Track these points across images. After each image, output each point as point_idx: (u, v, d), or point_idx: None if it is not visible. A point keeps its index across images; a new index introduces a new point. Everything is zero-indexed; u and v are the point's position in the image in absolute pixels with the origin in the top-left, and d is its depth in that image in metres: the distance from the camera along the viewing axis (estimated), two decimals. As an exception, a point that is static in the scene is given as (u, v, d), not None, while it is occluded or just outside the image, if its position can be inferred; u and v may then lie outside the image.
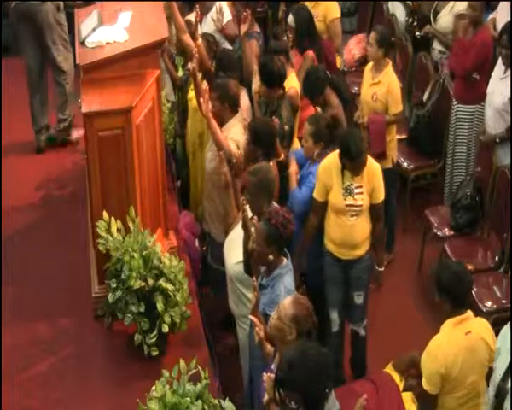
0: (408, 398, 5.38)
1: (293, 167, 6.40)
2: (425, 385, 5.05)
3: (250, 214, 5.64)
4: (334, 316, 6.33)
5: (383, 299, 6.88)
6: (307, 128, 6.31)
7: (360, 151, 5.96)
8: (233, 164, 6.26)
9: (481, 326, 5.12)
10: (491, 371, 5.12)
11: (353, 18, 10.15)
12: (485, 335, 5.08)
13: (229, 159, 6.25)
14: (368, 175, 6.08)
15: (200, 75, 6.86)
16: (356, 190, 6.05)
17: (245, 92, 7.05)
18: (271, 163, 6.05)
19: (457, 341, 4.99)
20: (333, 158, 6.09)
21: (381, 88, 7.40)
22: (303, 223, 6.23)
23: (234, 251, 5.77)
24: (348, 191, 6.05)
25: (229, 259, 5.87)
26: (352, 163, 6.01)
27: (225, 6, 8.13)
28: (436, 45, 8.63)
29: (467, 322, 5.03)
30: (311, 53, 7.67)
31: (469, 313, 5.06)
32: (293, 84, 7.07)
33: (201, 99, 6.35)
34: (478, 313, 6.65)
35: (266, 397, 4.54)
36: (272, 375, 4.54)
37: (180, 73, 7.63)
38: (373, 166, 6.14)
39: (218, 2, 8.08)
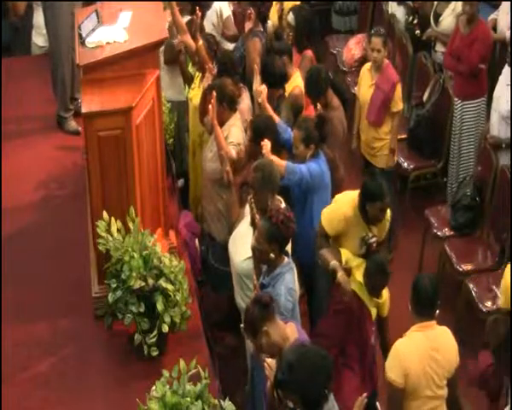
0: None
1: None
2: None
3: (257, 211, 5.65)
4: None
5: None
6: (296, 134, 6.29)
7: None
8: (233, 161, 6.28)
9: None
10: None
11: (353, 18, 10.17)
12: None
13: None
14: None
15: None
16: None
17: (247, 92, 7.05)
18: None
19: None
20: None
21: (382, 88, 7.40)
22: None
23: (240, 248, 5.78)
24: None
25: (236, 256, 5.87)
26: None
27: (225, 4, 8.15)
28: (439, 47, 8.60)
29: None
30: (309, 52, 7.66)
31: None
32: (298, 83, 7.07)
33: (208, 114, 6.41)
34: (478, 313, 6.66)
35: (269, 384, 4.55)
36: (273, 361, 4.55)
37: (190, 68, 7.62)
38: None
39: (218, 6, 8.10)
